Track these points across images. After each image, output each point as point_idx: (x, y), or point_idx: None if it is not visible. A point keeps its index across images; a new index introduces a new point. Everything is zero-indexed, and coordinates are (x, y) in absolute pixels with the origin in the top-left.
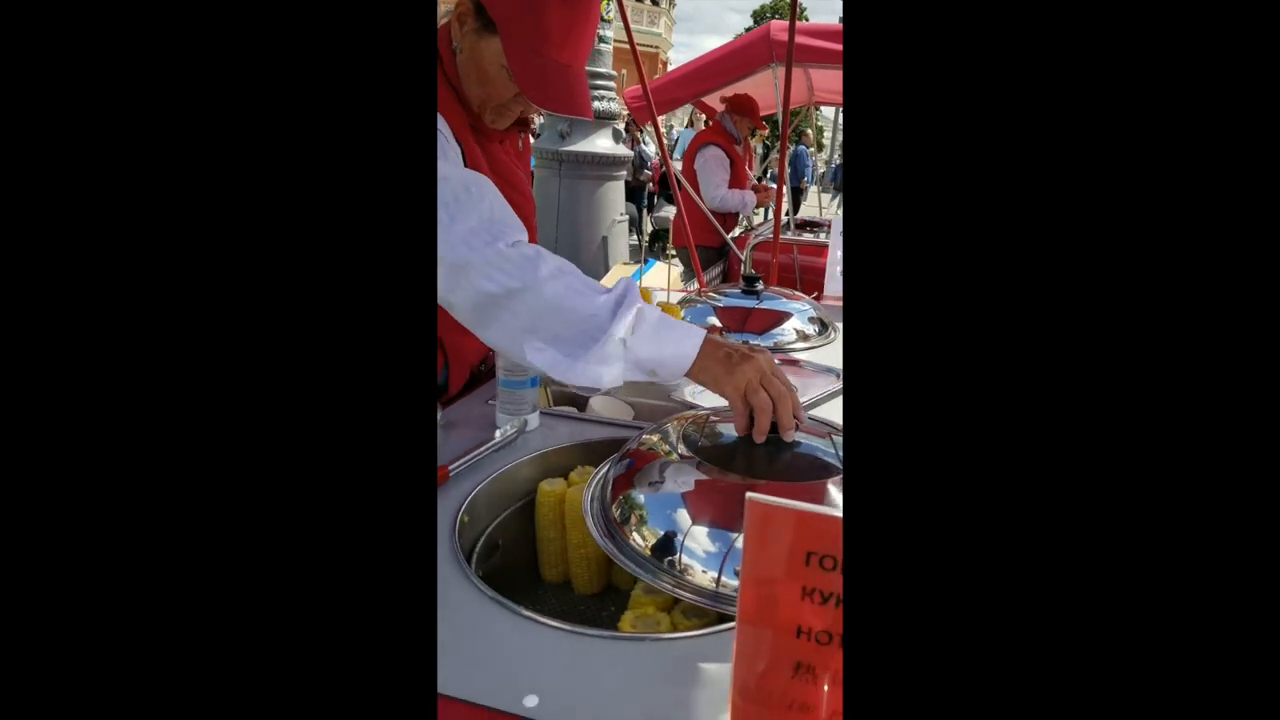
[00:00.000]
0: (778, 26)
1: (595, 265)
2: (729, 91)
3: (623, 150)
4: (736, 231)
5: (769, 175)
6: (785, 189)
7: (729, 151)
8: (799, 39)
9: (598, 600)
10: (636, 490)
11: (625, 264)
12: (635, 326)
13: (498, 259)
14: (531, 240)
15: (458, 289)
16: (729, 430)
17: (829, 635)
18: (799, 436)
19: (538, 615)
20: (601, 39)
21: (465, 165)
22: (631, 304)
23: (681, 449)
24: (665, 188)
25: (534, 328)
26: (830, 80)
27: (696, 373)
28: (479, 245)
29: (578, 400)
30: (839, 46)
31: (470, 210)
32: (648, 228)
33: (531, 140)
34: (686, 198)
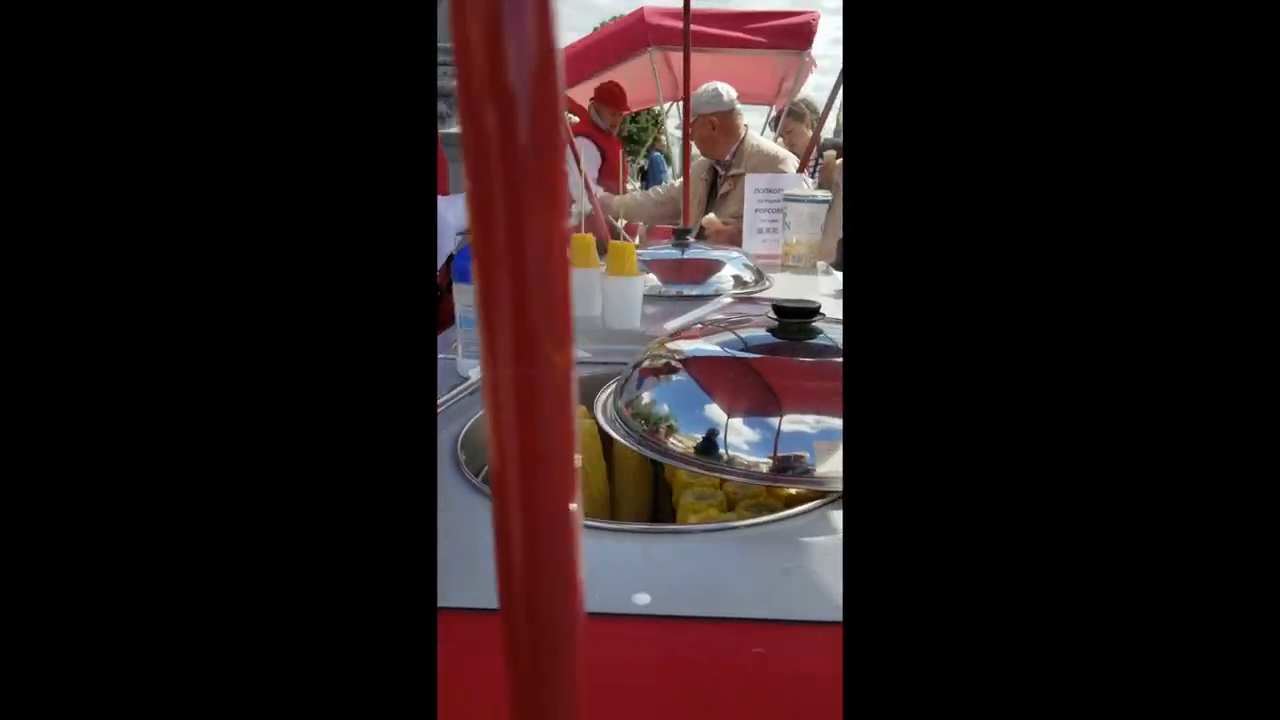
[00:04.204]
0: (652, 10)
1: None
2: (598, 81)
3: None
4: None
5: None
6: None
7: (599, 142)
8: (671, 22)
9: None
10: (656, 401)
11: None
12: None
13: None
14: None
15: None
16: (723, 337)
17: None
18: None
19: (610, 523)
20: None
21: None
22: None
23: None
24: None
25: None
26: (709, 66)
27: None
28: None
29: None
30: (719, 31)
31: None
32: None
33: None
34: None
